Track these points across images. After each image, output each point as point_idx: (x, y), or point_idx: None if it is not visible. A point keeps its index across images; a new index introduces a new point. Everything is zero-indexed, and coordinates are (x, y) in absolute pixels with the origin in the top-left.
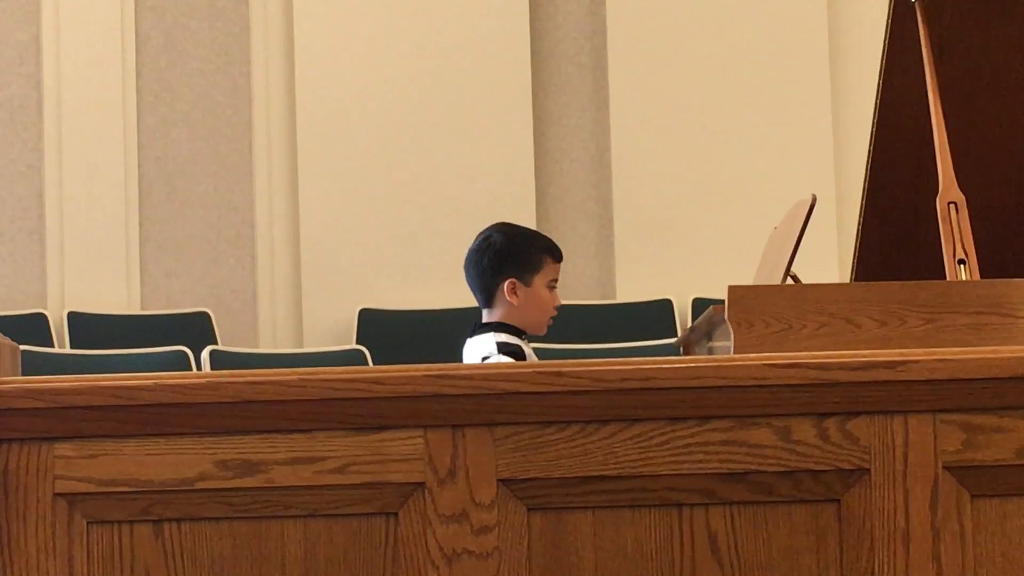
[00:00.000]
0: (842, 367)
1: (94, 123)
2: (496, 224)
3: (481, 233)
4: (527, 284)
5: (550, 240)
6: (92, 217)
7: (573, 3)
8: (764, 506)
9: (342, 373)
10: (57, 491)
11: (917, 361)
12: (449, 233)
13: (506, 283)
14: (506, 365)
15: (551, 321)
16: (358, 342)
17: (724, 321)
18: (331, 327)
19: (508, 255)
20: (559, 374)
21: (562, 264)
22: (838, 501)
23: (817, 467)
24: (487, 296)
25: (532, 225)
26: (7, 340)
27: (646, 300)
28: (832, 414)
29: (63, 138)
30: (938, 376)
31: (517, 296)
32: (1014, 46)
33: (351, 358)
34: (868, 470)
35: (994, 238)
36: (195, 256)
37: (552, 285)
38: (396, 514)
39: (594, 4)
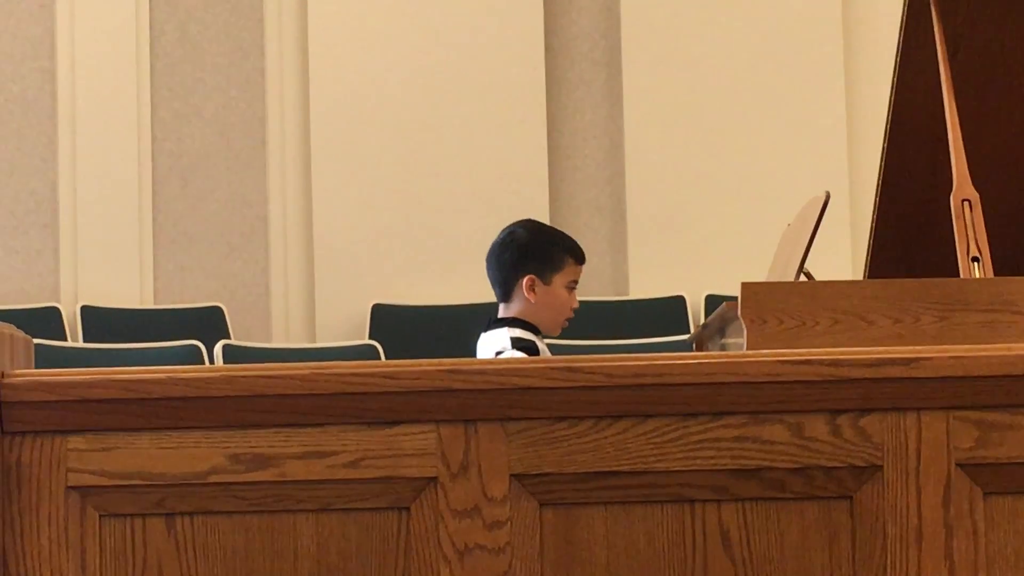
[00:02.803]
0: (855, 364)
1: (108, 117)
2: (522, 220)
3: (507, 227)
4: (546, 282)
5: (574, 241)
6: (105, 211)
7: None
8: (776, 503)
9: (355, 367)
10: (70, 484)
11: (930, 358)
12: (462, 229)
13: (525, 279)
14: (519, 360)
15: (566, 323)
16: (371, 337)
17: (737, 318)
18: (344, 322)
19: (530, 251)
20: (572, 370)
21: None
22: (851, 498)
23: (830, 464)
24: (505, 291)
25: (545, 221)
26: (20, 333)
27: (659, 296)
28: (845, 411)
29: (77, 132)
30: (951, 373)
31: (535, 293)
32: None
33: (364, 353)
34: (881, 467)
35: (1008, 235)
36: (208, 250)
37: (572, 286)
38: (408, 508)
39: (608, 0)
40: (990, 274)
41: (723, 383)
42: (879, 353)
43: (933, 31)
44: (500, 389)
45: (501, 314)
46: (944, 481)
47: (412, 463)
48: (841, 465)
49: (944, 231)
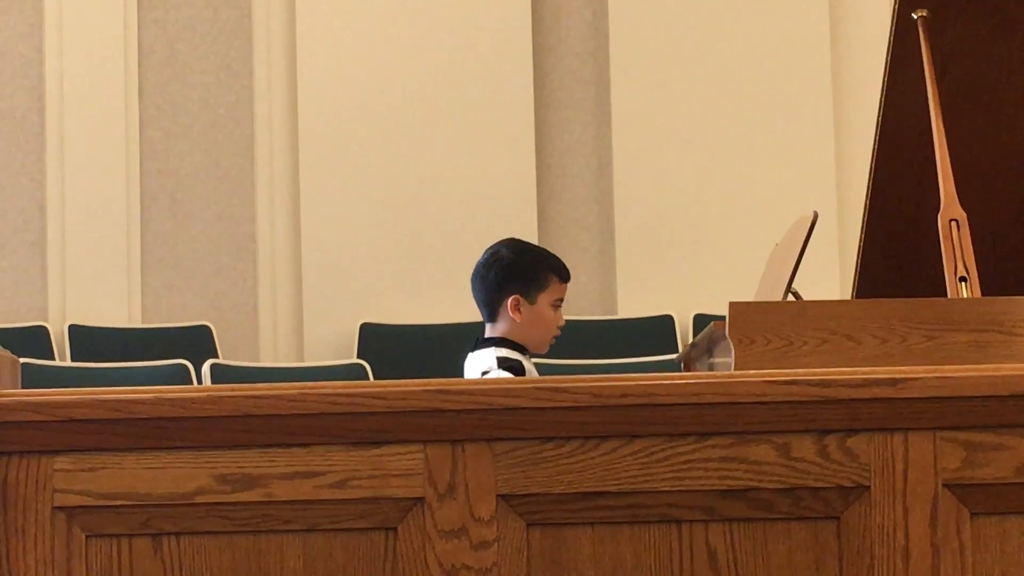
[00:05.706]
0: (842, 384)
1: (96, 136)
2: (506, 239)
3: (490, 247)
4: (532, 302)
5: (558, 259)
6: (94, 230)
7: (576, 18)
8: (764, 523)
9: (342, 387)
10: (56, 504)
11: (918, 378)
12: (450, 248)
13: (510, 299)
14: (506, 380)
15: (554, 340)
16: (359, 356)
17: (725, 337)
18: (332, 341)
19: (514, 271)
20: (559, 390)
21: None
22: (838, 518)
23: (817, 484)
24: (491, 311)
25: (533, 240)
26: (7, 353)
27: (647, 316)
28: (832, 431)
29: (65, 150)
30: (939, 393)
31: (520, 313)
32: (1016, 63)
33: (352, 372)
34: (868, 487)
35: (995, 255)
36: (196, 269)
37: (557, 304)
38: (395, 529)
39: (597, 20)
40: (977, 294)
41: (710, 403)
42: (866, 373)
43: (921, 51)
44: (487, 409)
45: (488, 334)
46: (931, 502)
47: (399, 483)
48: (828, 486)
49: (932, 251)
